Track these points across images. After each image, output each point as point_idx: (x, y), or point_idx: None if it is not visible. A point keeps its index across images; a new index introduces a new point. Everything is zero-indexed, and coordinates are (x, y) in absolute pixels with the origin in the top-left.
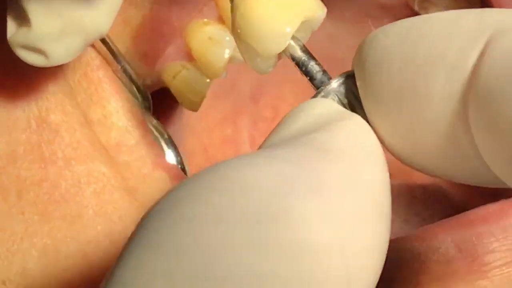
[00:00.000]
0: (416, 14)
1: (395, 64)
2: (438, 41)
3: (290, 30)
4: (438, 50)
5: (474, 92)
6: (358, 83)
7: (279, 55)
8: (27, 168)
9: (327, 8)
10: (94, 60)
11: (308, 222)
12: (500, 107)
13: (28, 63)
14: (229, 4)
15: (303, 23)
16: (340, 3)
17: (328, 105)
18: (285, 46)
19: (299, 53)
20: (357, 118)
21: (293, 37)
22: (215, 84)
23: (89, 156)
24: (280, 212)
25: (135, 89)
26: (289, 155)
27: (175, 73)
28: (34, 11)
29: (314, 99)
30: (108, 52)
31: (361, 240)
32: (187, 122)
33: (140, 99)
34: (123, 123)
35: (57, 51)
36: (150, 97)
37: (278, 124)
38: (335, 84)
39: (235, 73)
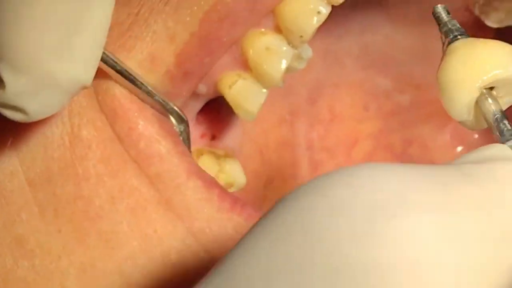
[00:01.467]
0: (476, 18)
1: None
2: None
3: (477, 86)
4: None
5: None
6: None
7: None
8: (62, 185)
9: (387, 9)
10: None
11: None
12: None
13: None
14: (287, 13)
15: (505, 81)
16: (400, 5)
17: (503, 149)
18: (468, 103)
19: (492, 108)
20: None
21: (490, 94)
22: (272, 88)
23: (120, 170)
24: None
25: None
26: (431, 172)
27: (231, 83)
28: (5, 71)
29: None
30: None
31: (476, 259)
32: (243, 126)
33: (174, 119)
34: (150, 133)
35: (34, 108)
36: (184, 116)
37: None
38: None
39: (290, 76)
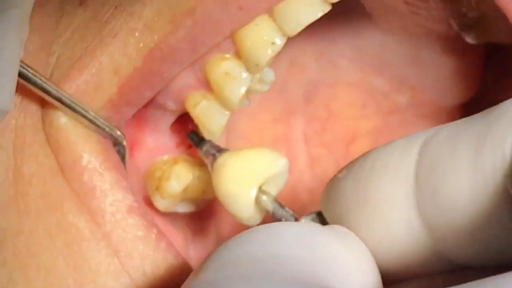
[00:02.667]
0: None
1: (348, 188)
2: (379, 156)
3: (253, 193)
4: (380, 162)
5: (420, 185)
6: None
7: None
8: (6, 219)
9: (377, 21)
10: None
11: None
12: (442, 185)
13: None
14: (244, 42)
15: (270, 178)
16: (387, 17)
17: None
18: (252, 209)
19: (270, 206)
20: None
21: (264, 192)
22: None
23: (59, 206)
24: None
25: (107, 132)
26: None
27: (195, 103)
28: None
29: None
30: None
31: None
32: (237, 126)
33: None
34: (94, 166)
35: None
36: (123, 140)
37: None
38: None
39: (285, 75)
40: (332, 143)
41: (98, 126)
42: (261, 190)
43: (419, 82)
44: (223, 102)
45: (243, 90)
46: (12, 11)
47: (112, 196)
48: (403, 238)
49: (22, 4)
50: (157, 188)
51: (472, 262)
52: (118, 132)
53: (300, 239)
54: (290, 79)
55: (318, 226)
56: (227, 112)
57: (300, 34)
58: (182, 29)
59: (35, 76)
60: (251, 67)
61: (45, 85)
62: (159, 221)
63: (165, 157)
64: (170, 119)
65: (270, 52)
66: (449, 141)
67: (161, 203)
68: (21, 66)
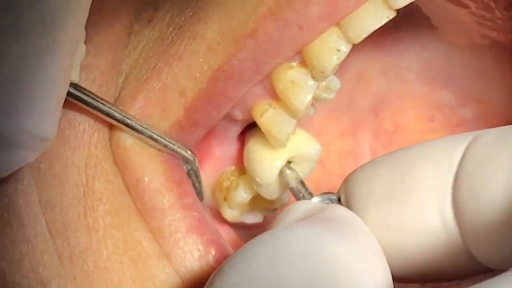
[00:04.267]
0: None
1: (385, 172)
2: (425, 147)
3: (280, 163)
4: (426, 151)
5: (460, 177)
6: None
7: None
8: (75, 235)
9: (442, 32)
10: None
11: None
12: (481, 184)
13: None
14: (309, 50)
15: (300, 156)
16: (453, 29)
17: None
18: (274, 178)
19: (293, 182)
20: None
21: (291, 169)
22: (331, 101)
23: (125, 223)
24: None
25: (176, 151)
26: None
27: (262, 112)
28: None
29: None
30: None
31: None
32: None
33: (182, 159)
34: (155, 185)
35: None
36: (190, 155)
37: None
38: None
39: (351, 89)
40: None
41: (166, 146)
42: (287, 165)
43: (484, 94)
44: (289, 110)
45: (308, 98)
46: (55, 37)
47: (171, 215)
48: (433, 225)
49: (68, 29)
50: (225, 199)
51: (497, 266)
52: (188, 152)
53: (306, 250)
54: (357, 92)
55: (323, 226)
56: (294, 120)
57: (366, 46)
58: (244, 51)
59: (98, 101)
60: (317, 75)
61: (109, 110)
62: (229, 232)
63: (233, 167)
64: (237, 129)
65: (335, 59)
66: (496, 141)
67: (229, 214)
68: (84, 92)
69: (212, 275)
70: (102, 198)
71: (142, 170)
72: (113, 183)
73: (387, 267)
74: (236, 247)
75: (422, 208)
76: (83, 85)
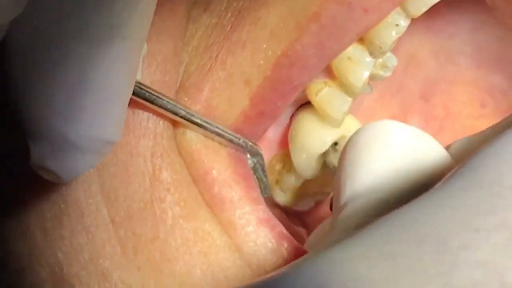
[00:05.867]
0: None
1: None
2: None
3: (330, 139)
4: None
5: None
6: None
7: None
8: (141, 225)
9: (498, 14)
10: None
11: None
12: None
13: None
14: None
15: (345, 138)
16: (507, 11)
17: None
18: (324, 150)
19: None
20: None
21: (336, 150)
22: (381, 85)
23: (194, 214)
24: None
25: (241, 145)
26: None
27: (317, 90)
28: (27, 137)
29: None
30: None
31: None
32: None
33: (248, 153)
34: (223, 178)
35: (59, 169)
36: (257, 148)
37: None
38: None
39: (402, 73)
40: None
41: (230, 141)
42: (333, 146)
43: None
44: (346, 88)
45: (366, 74)
46: (123, 38)
47: (241, 208)
48: None
49: (136, 29)
50: (277, 182)
51: None
52: (252, 144)
53: None
54: (407, 76)
55: None
56: (350, 99)
57: (417, 28)
58: (308, 35)
59: (162, 98)
60: (374, 50)
61: (173, 108)
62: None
63: (286, 150)
64: (290, 109)
65: (394, 34)
66: None
67: (281, 198)
68: (148, 90)
69: None
70: (170, 189)
71: (210, 162)
72: (180, 173)
73: None
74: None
75: None
76: (146, 72)
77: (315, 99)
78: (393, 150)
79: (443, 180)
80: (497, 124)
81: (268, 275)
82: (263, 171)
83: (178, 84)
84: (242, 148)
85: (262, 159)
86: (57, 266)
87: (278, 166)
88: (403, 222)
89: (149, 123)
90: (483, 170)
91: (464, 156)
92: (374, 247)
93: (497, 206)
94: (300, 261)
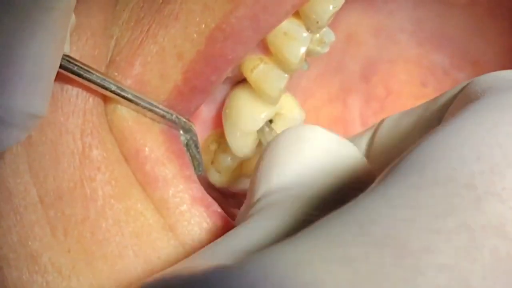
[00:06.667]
0: None
1: None
2: None
3: (264, 116)
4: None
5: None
6: None
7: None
8: (71, 205)
9: None
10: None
11: None
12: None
13: None
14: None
15: (282, 119)
16: None
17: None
18: (259, 128)
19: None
20: None
21: (270, 128)
22: (321, 64)
23: (126, 193)
24: None
25: (174, 121)
26: None
27: (253, 67)
28: None
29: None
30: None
31: None
32: None
33: (180, 129)
34: (156, 155)
35: None
36: (192, 127)
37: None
38: None
39: (341, 52)
40: None
41: (163, 117)
42: (267, 123)
43: (480, 56)
44: (282, 65)
45: (302, 50)
46: (48, 7)
47: (175, 187)
48: None
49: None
50: (212, 162)
51: None
52: (185, 121)
53: None
54: (346, 55)
55: None
56: (286, 75)
57: (356, 5)
58: (242, 8)
59: (91, 72)
60: (311, 25)
61: (104, 82)
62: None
63: (221, 129)
64: (226, 87)
65: (331, 8)
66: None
67: (217, 178)
68: (77, 64)
69: None
70: (100, 167)
71: (142, 139)
72: (111, 151)
73: None
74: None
75: None
76: (75, 46)
77: (250, 76)
78: (310, 152)
79: (388, 170)
80: (427, 103)
81: (206, 266)
82: (197, 147)
83: (108, 59)
84: (174, 124)
85: (196, 135)
86: None
87: (213, 146)
88: (359, 223)
89: (78, 99)
90: (434, 164)
91: (395, 139)
92: (331, 249)
93: (455, 206)
94: (237, 253)
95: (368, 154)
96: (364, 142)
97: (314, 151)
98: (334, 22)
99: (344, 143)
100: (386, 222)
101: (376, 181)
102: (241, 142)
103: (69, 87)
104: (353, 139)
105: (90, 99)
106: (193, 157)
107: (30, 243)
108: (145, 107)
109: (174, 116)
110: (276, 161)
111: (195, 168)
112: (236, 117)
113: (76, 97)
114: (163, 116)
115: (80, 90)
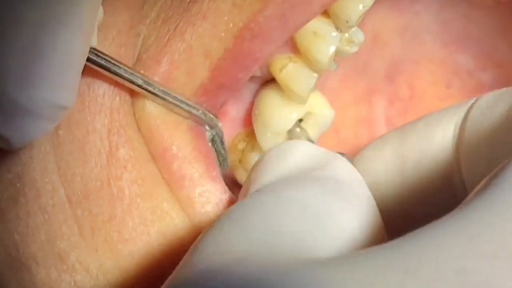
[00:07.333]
0: None
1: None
2: (433, 115)
3: (295, 116)
4: (434, 118)
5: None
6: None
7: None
8: (98, 204)
9: None
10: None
11: None
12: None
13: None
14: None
15: (313, 118)
16: None
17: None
18: (290, 127)
19: (304, 135)
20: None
21: (301, 128)
22: (346, 65)
23: (152, 192)
24: None
25: (200, 117)
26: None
27: (282, 66)
28: None
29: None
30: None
31: None
32: None
33: (207, 125)
34: (183, 154)
35: (11, 135)
36: (218, 122)
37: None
38: None
39: (367, 52)
40: None
41: (190, 112)
42: (297, 123)
43: (505, 56)
44: (311, 64)
45: (332, 49)
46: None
47: (201, 186)
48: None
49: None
50: (240, 161)
51: None
52: (212, 116)
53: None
54: (372, 55)
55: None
56: (315, 75)
57: (382, 6)
58: (271, 7)
59: (119, 66)
60: (340, 25)
61: (131, 76)
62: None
63: (249, 128)
64: (254, 87)
65: (361, 8)
66: (495, 96)
67: (244, 178)
68: (104, 57)
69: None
70: (127, 166)
71: (170, 138)
72: (138, 150)
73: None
74: None
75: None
76: (101, 46)
77: (279, 76)
78: (294, 164)
79: (489, 179)
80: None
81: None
82: (222, 143)
83: (135, 58)
84: (201, 120)
85: (221, 131)
86: (13, 248)
87: (241, 145)
88: (468, 235)
89: (104, 98)
90: None
91: (489, 129)
92: (444, 262)
93: None
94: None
95: (460, 142)
96: (451, 126)
97: (295, 163)
98: (360, 22)
99: (334, 155)
100: (497, 235)
101: (477, 188)
102: (272, 142)
103: (96, 86)
104: (432, 117)
105: (117, 98)
106: (218, 153)
107: (58, 242)
108: (171, 102)
109: (200, 111)
110: (265, 169)
111: (220, 164)
112: (266, 117)
113: (102, 96)
114: (188, 111)
115: (106, 89)
